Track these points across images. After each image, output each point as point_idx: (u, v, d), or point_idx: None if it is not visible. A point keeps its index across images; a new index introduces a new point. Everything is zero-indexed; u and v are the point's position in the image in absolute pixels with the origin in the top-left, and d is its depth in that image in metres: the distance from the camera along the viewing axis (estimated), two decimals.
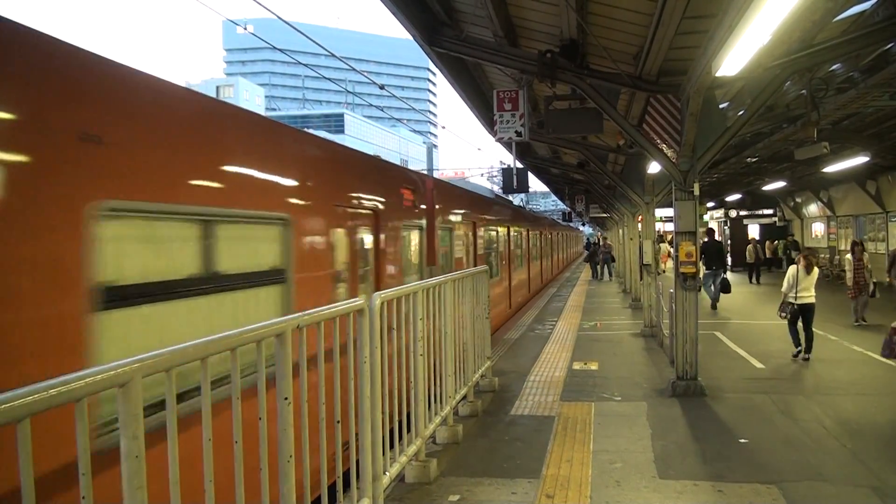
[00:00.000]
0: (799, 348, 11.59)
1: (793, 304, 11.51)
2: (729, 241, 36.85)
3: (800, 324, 11.51)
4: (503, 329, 17.15)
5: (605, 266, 36.21)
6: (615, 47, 9.42)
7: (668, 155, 9.62)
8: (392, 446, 5.35)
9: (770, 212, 36.53)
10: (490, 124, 11.52)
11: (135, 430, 2.39)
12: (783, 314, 11.62)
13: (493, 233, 18.39)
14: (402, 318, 5.71)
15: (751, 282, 27.61)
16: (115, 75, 4.28)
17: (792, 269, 11.69)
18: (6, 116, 3.44)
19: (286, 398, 3.51)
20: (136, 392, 2.40)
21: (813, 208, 32.12)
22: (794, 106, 12.82)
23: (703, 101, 8.57)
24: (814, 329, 11.49)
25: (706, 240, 19.40)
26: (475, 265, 13.69)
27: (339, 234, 7.20)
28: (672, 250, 17.02)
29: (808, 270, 11.42)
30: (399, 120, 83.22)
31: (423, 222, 10.77)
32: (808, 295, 11.46)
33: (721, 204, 38.12)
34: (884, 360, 9.02)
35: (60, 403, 2.09)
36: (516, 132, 10.51)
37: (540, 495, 5.76)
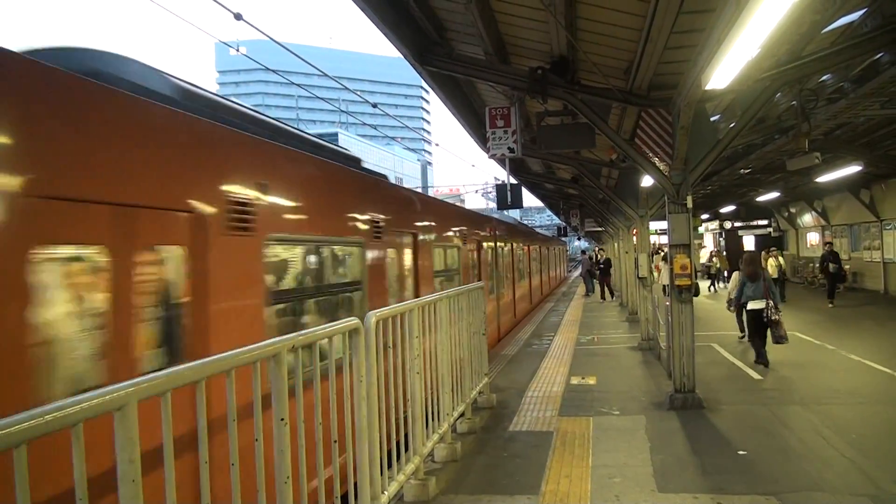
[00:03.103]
0: (743, 334, 13.91)
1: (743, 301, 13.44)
2: (724, 253, 37.01)
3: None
4: (501, 343, 17.11)
5: (584, 281, 36.03)
6: (605, 63, 9.48)
7: (661, 168, 9.67)
8: (390, 465, 5.34)
9: (765, 222, 36.63)
10: (483, 141, 11.58)
11: (131, 455, 2.40)
12: (731, 308, 13.72)
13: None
14: (397, 337, 5.71)
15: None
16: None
17: (736, 274, 13.69)
18: None
19: (282, 419, 3.51)
20: (132, 416, 2.41)
21: (807, 218, 32.21)
22: (786, 117, 12.89)
23: (693, 115, 8.62)
24: (822, 343, 13.26)
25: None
26: None
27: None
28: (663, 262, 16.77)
29: (753, 278, 13.07)
30: (393, 138, 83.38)
31: None
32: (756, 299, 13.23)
33: (715, 216, 38.24)
34: (876, 366, 9.39)
35: (56, 429, 2.10)
36: (509, 148, 10.57)
37: None
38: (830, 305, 21.26)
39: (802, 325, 16.78)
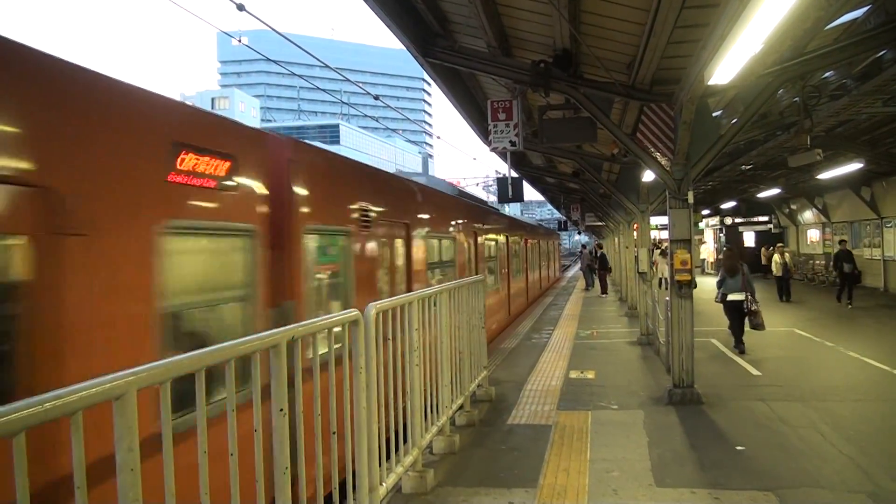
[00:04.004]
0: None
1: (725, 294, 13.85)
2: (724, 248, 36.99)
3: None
4: (495, 341, 17.12)
5: (584, 275, 35.85)
6: (608, 57, 9.46)
7: (662, 163, 9.65)
8: (388, 457, 5.35)
9: (765, 219, 36.60)
10: (485, 134, 11.55)
11: (130, 443, 2.39)
12: (718, 300, 13.92)
13: None
14: (397, 329, 5.71)
15: (781, 299, 22.33)
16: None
17: (721, 273, 13.98)
18: None
19: (281, 409, 3.51)
20: (131, 405, 2.41)
21: (808, 215, 32.19)
22: (788, 113, 12.88)
23: (696, 110, 8.60)
24: (821, 340, 13.98)
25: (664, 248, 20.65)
26: None
27: None
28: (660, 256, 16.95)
29: (732, 273, 13.73)
30: (394, 130, 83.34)
31: None
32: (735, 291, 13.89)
33: (716, 211, 38.21)
34: (875, 363, 10.08)
35: (55, 417, 2.10)
36: (510, 142, 10.55)
37: None
38: (849, 306, 20.08)
39: (801, 322, 16.81)
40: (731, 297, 13.25)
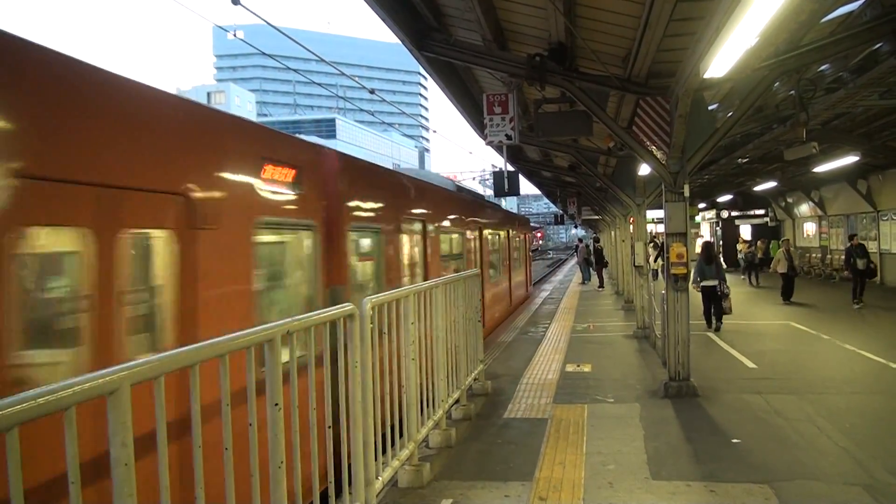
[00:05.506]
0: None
1: (699, 283, 15.32)
2: (721, 242, 37.07)
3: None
4: (495, 333, 17.15)
5: (580, 269, 35.66)
6: (604, 50, 9.44)
7: (658, 157, 9.65)
8: (385, 451, 5.35)
9: (762, 212, 36.62)
10: (481, 128, 11.54)
11: (124, 438, 2.39)
12: (697, 288, 15.25)
13: None
14: (393, 323, 5.71)
15: (785, 300, 20.27)
16: None
17: (699, 262, 15.51)
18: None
19: (276, 404, 3.50)
20: (125, 400, 2.40)
21: (804, 208, 32.21)
22: (784, 107, 12.86)
23: (692, 103, 8.59)
24: (817, 333, 14.21)
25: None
26: None
27: None
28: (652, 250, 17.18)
29: (708, 262, 15.45)
30: (390, 124, 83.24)
31: None
32: (709, 278, 15.37)
33: (712, 205, 38.24)
34: (871, 355, 10.55)
35: (49, 412, 2.09)
36: (506, 135, 10.55)
37: (533, 498, 5.76)
38: (859, 305, 18.50)
39: (797, 315, 16.85)
40: (704, 283, 15.05)
